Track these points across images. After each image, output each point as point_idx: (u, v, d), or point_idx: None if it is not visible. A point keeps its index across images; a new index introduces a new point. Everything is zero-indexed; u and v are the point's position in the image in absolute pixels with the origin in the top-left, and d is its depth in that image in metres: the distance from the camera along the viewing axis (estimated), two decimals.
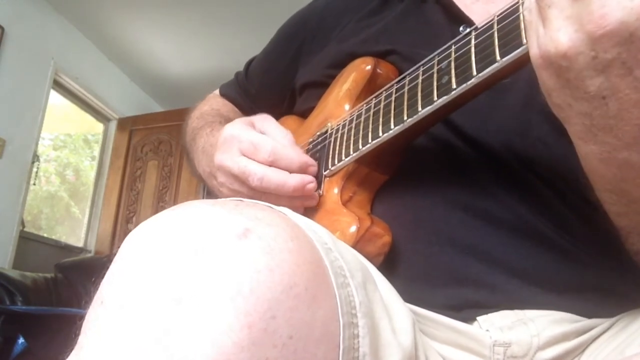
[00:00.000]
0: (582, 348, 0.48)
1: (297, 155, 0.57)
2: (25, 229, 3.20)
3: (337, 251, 0.37)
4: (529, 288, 0.49)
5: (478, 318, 0.48)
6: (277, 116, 0.66)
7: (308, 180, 0.56)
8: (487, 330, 0.47)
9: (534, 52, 0.35)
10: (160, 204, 3.72)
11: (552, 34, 0.33)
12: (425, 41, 0.52)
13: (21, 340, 2.06)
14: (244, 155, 0.57)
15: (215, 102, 0.87)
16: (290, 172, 0.56)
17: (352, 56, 0.64)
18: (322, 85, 0.69)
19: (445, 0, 0.62)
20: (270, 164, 0.56)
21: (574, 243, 0.50)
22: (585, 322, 0.48)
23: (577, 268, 0.50)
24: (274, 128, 0.61)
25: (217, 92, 0.91)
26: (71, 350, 0.30)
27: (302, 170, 0.57)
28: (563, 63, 0.33)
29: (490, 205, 0.52)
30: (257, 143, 0.57)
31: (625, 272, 0.50)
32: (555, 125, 0.44)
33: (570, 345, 0.47)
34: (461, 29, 0.45)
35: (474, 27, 0.45)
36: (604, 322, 0.49)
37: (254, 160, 0.57)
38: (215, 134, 0.67)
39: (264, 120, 0.63)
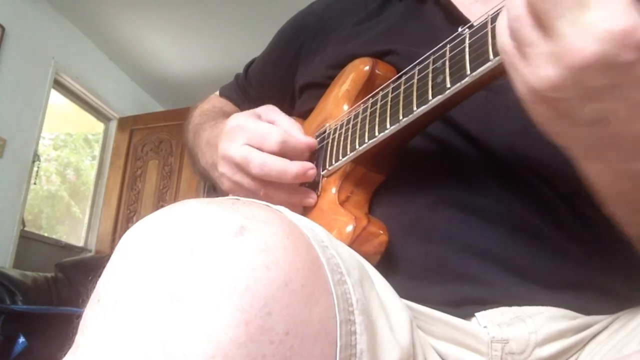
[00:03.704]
0: (581, 345, 0.48)
1: (304, 141, 0.57)
2: (26, 229, 3.20)
3: (334, 249, 0.37)
4: (528, 285, 0.49)
5: (476, 314, 0.48)
6: None
7: (309, 166, 0.56)
8: (485, 327, 0.47)
9: (522, 90, 0.36)
10: (160, 204, 3.71)
11: (535, 70, 0.33)
12: (425, 42, 0.52)
13: (22, 339, 2.07)
14: (250, 145, 0.57)
15: (217, 101, 0.87)
16: (298, 159, 0.56)
17: (353, 57, 0.64)
18: (322, 86, 0.69)
19: (444, 2, 0.62)
20: (280, 153, 0.56)
21: (573, 241, 0.50)
22: (583, 319, 0.48)
23: (575, 265, 0.50)
24: (282, 117, 0.61)
25: (217, 93, 0.91)
26: (69, 349, 0.30)
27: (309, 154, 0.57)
28: (552, 96, 0.34)
29: (488, 203, 0.52)
30: (265, 132, 0.56)
31: (623, 270, 0.50)
32: None
33: (569, 343, 0.47)
34: (460, 29, 0.45)
35: (468, 25, 0.45)
36: (602, 320, 0.49)
37: (262, 149, 0.56)
38: (219, 126, 0.66)
39: (270, 110, 0.62)
